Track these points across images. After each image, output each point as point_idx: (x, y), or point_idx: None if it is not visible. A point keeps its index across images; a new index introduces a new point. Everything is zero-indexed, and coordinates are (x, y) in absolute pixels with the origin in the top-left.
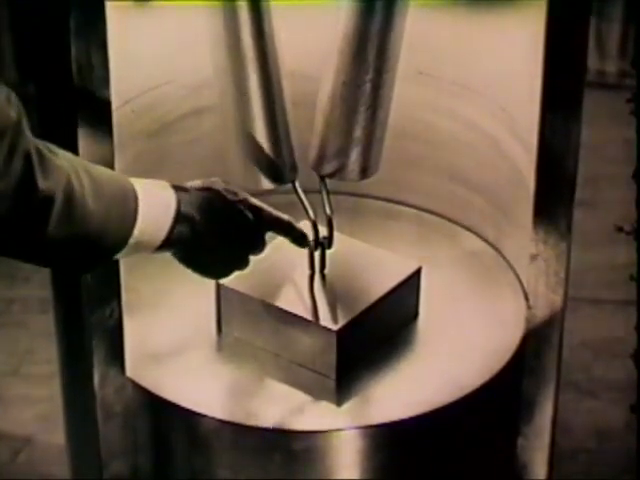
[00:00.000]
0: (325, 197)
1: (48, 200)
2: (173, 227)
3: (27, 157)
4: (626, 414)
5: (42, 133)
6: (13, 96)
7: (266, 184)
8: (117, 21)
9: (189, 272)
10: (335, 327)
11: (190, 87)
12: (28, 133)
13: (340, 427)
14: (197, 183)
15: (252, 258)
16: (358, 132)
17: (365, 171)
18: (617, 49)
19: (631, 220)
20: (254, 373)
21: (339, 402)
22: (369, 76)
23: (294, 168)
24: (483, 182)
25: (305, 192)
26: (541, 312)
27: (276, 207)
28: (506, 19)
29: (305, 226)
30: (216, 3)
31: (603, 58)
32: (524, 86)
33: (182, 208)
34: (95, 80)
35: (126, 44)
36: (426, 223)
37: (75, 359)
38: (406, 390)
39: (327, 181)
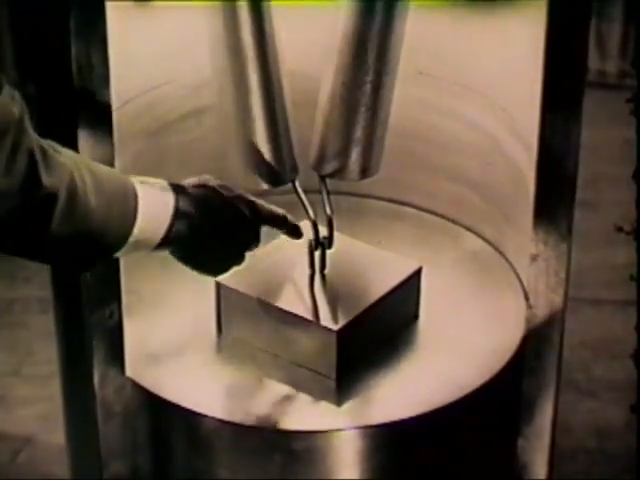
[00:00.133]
0: (325, 197)
1: (52, 197)
2: (172, 225)
3: (30, 154)
4: (626, 414)
5: (42, 133)
6: (16, 94)
7: (266, 184)
8: (117, 21)
9: (189, 273)
10: (335, 327)
11: (190, 87)
12: (31, 131)
13: (340, 427)
14: (192, 181)
15: (250, 256)
16: (358, 132)
17: (365, 171)
18: (617, 49)
19: (631, 220)
20: (254, 373)
21: (339, 402)
22: (369, 77)
23: (294, 168)
24: (484, 182)
25: (305, 192)
26: (541, 312)
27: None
28: (506, 19)
29: (305, 226)
30: (216, 3)
31: (603, 58)
32: (524, 86)
33: (180, 206)
34: (95, 80)
35: (126, 44)
36: (427, 223)
37: (75, 359)
38: (406, 390)
39: (327, 181)
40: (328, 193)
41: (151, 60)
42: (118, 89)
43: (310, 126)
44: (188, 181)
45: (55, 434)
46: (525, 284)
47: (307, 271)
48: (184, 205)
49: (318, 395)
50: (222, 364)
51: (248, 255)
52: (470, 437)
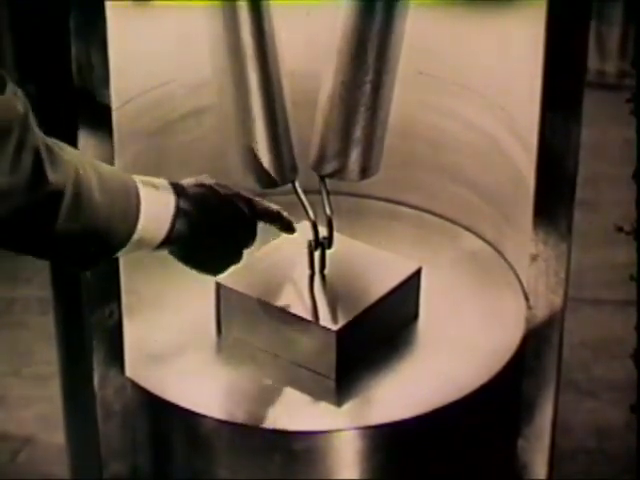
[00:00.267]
0: (325, 197)
1: (58, 193)
2: (173, 224)
3: (36, 151)
4: (626, 414)
5: (42, 133)
6: (20, 92)
7: (266, 184)
8: (117, 21)
9: (189, 272)
10: (335, 327)
11: (190, 87)
12: (36, 128)
13: (340, 427)
14: (190, 181)
15: (249, 256)
16: (358, 132)
17: (365, 171)
18: (617, 49)
19: (631, 220)
20: (254, 373)
21: (339, 402)
22: (369, 76)
23: (294, 168)
24: (483, 182)
25: (305, 192)
26: (541, 312)
27: None
28: (506, 19)
29: (305, 226)
30: (216, 3)
31: (603, 58)
32: (524, 86)
33: (181, 205)
34: (95, 80)
35: (126, 44)
36: (426, 224)
37: (75, 359)
38: (406, 390)
39: (327, 181)
40: (328, 193)
41: (151, 60)
42: (118, 89)
43: (310, 126)
44: (186, 181)
45: (55, 434)
46: (525, 284)
47: (307, 271)
48: (184, 204)
49: (318, 395)
50: (222, 364)
51: (246, 253)
52: (470, 437)
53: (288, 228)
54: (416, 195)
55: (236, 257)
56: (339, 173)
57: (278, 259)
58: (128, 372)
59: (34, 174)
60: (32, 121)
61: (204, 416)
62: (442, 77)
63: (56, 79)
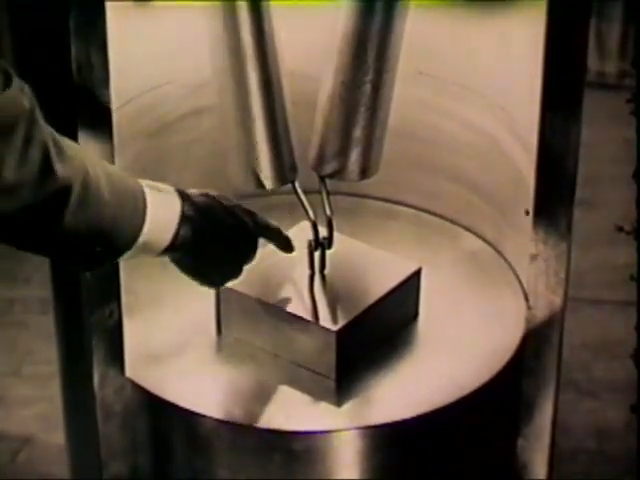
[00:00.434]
0: (325, 197)
1: (66, 188)
2: (178, 229)
3: (44, 146)
4: (626, 414)
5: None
6: (26, 87)
7: (266, 184)
8: (117, 21)
9: None
10: (335, 327)
11: (190, 87)
12: (42, 122)
13: (340, 427)
14: (193, 190)
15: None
16: (358, 132)
17: (365, 171)
18: (617, 49)
19: (631, 220)
20: (254, 373)
21: (339, 402)
22: (369, 76)
23: (294, 168)
24: (483, 182)
25: (305, 192)
26: (541, 312)
27: (276, 208)
28: (506, 19)
29: (305, 226)
30: (216, 3)
31: (603, 58)
32: (524, 86)
33: (186, 211)
34: (95, 80)
35: (126, 44)
36: (426, 223)
37: (75, 359)
38: (406, 390)
39: (327, 181)
40: (328, 193)
41: (151, 60)
42: (118, 89)
43: (310, 126)
44: (189, 191)
45: (55, 434)
46: (525, 284)
47: (307, 271)
48: (190, 211)
49: (318, 395)
50: (222, 364)
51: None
52: (470, 437)
53: (286, 246)
54: (416, 195)
55: (236, 271)
56: (339, 173)
57: (278, 259)
58: (128, 372)
59: (42, 169)
60: (39, 116)
61: (204, 416)
62: (442, 77)
63: (56, 79)
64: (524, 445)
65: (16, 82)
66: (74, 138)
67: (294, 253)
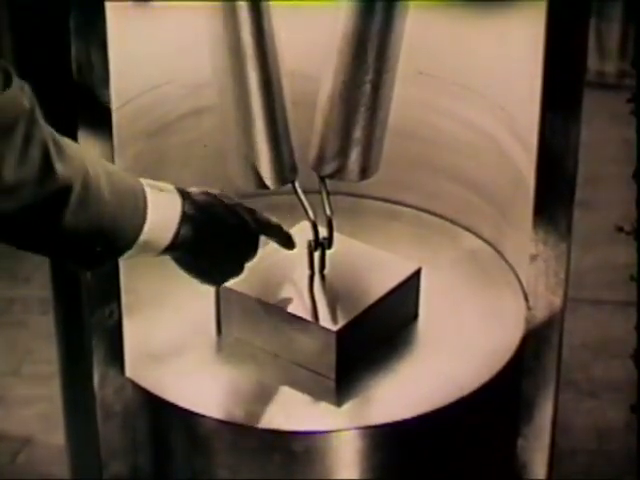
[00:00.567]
0: (325, 197)
1: (66, 187)
2: (179, 228)
3: (44, 145)
4: (626, 414)
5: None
6: (26, 86)
7: (266, 184)
8: (117, 21)
9: None
10: (335, 327)
11: (190, 87)
12: (42, 122)
13: (340, 427)
14: (194, 189)
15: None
16: (358, 132)
17: (365, 171)
18: (617, 49)
19: (631, 220)
20: (254, 373)
21: (339, 402)
22: (369, 76)
23: (294, 168)
24: (483, 182)
25: (305, 192)
26: (541, 313)
27: (276, 208)
28: (506, 19)
29: (305, 227)
30: (216, 3)
31: (603, 58)
32: (524, 86)
33: (187, 209)
34: (95, 80)
35: (126, 44)
36: (426, 223)
37: (75, 359)
38: (406, 390)
39: (327, 181)
40: (328, 193)
41: (151, 60)
42: (118, 89)
43: (310, 127)
44: (191, 189)
45: (55, 434)
46: (525, 284)
47: (307, 271)
48: (190, 210)
49: (318, 395)
50: (222, 364)
51: (246, 267)
52: (470, 437)
53: (288, 243)
54: (415, 195)
55: (237, 269)
56: (339, 173)
57: (278, 259)
58: (128, 372)
59: (42, 168)
60: (39, 115)
61: (204, 416)
62: (442, 77)
63: (56, 79)
64: (524, 445)
65: (16, 81)
66: (74, 138)
67: (294, 253)
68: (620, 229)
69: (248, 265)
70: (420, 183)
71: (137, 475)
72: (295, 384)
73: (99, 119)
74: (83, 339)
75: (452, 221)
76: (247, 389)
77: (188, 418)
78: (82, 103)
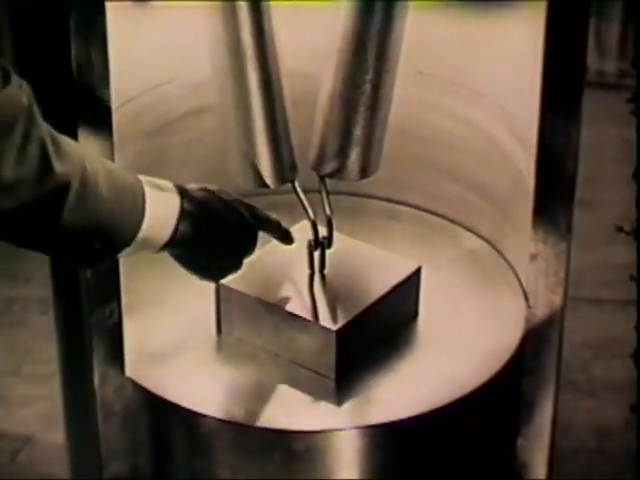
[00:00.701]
0: (325, 197)
1: (65, 185)
2: (178, 225)
3: (42, 143)
4: (626, 414)
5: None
6: (24, 84)
7: (266, 184)
8: (117, 21)
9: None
10: (335, 327)
11: (190, 86)
12: (40, 120)
13: (340, 427)
14: (193, 185)
15: (249, 257)
16: (358, 132)
17: (365, 171)
18: (617, 49)
19: (631, 220)
20: (254, 373)
21: (339, 402)
22: (369, 76)
23: (294, 168)
24: (483, 182)
25: (305, 192)
26: (541, 312)
27: (276, 207)
28: (506, 19)
29: (305, 226)
30: (216, 3)
31: (603, 58)
32: (524, 86)
33: (185, 206)
34: (95, 80)
35: (126, 44)
36: (426, 223)
37: (75, 359)
38: (406, 390)
39: (327, 181)
40: (328, 193)
41: (151, 60)
42: (118, 89)
43: (310, 126)
44: (189, 185)
45: (55, 434)
46: (524, 284)
47: (307, 271)
48: (189, 206)
49: (318, 395)
50: (222, 364)
51: (245, 262)
52: (470, 437)
53: (286, 238)
54: (415, 195)
55: (236, 264)
56: (339, 173)
57: (278, 259)
58: (128, 371)
59: (40, 166)
60: (37, 113)
61: (204, 416)
62: (442, 77)
63: (56, 79)
64: (524, 445)
65: (14, 80)
66: (74, 137)
67: (294, 253)
68: (620, 229)
69: (248, 264)
70: (420, 183)
71: (137, 475)
72: (295, 383)
73: (99, 118)
74: (83, 339)
75: (452, 221)
76: (247, 388)
77: (188, 417)
78: (82, 102)
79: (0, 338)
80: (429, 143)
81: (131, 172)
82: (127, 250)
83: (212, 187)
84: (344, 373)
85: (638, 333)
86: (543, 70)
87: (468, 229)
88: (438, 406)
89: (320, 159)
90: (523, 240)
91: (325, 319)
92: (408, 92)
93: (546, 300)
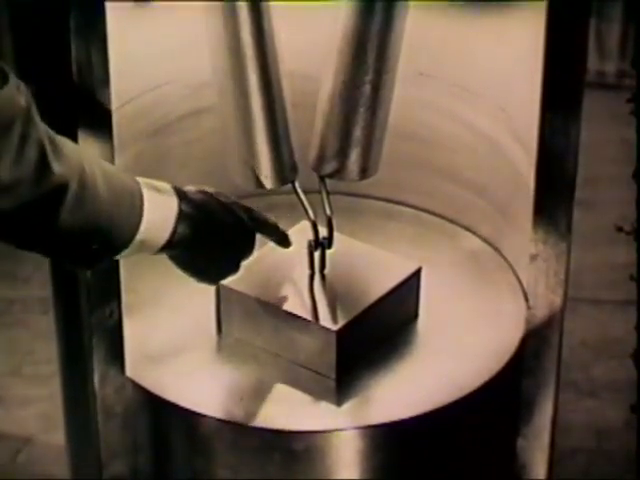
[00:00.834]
0: (325, 197)
1: (63, 186)
2: (176, 226)
3: (40, 144)
4: (626, 414)
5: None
6: (22, 85)
7: (266, 184)
8: (117, 21)
9: None
10: (335, 327)
11: (190, 87)
12: (38, 121)
13: (340, 427)
14: (191, 187)
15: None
16: (358, 132)
17: (365, 171)
18: (617, 49)
19: (631, 220)
20: (254, 373)
21: (339, 402)
22: (369, 77)
23: (294, 168)
24: (482, 182)
25: (305, 192)
26: (541, 312)
27: (276, 207)
28: (506, 19)
29: (305, 226)
30: (216, 3)
31: (603, 58)
32: (524, 86)
33: (183, 209)
34: (95, 80)
35: (126, 44)
36: (425, 223)
37: (75, 359)
38: (406, 390)
39: (327, 181)
40: (328, 193)
41: (151, 60)
42: (118, 89)
43: (310, 127)
44: (187, 187)
45: (55, 434)
46: (524, 284)
47: (307, 271)
48: (187, 208)
49: (318, 395)
50: (222, 364)
51: (243, 264)
52: (470, 437)
53: (284, 241)
54: (416, 195)
55: (233, 267)
56: (339, 173)
57: (278, 259)
58: (128, 372)
59: (38, 167)
60: (35, 114)
61: (204, 416)
62: (442, 78)
63: (56, 79)
64: (524, 445)
65: (12, 80)
66: (74, 138)
67: (294, 253)
68: (620, 229)
69: (247, 265)
70: (420, 183)
71: (137, 475)
72: (295, 384)
73: (99, 119)
74: (83, 339)
75: (452, 221)
76: (247, 389)
77: (188, 418)
78: (82, 103)
79: (0, 338)
80: (429, 143)
81: (129, 174)
82: (125, 252)
83: (210, 189)
84: (344, 373)
85: (638, 333)
86: (543, 70)
87: (468, 229)
88: (438, 406)
89: (320, 159)
90: (523, 240)
91: (325, 319)
92: (408, 93)
93: (546, 300)
